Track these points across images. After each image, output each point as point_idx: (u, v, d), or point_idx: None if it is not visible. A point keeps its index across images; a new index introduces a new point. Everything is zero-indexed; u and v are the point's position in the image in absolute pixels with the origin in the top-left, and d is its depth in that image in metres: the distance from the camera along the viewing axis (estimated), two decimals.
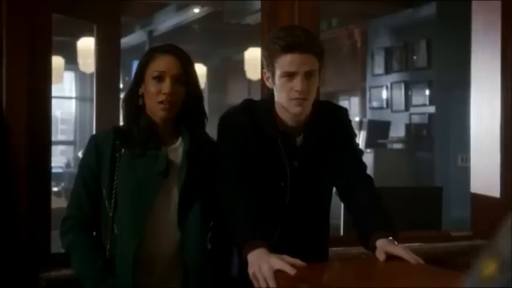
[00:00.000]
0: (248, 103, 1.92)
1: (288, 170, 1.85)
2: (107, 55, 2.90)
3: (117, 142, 1.88)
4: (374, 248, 1.68)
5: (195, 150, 1.89)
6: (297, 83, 1.76)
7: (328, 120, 1.92)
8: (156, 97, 1.85)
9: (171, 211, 1.86)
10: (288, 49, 1.76)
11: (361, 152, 1.99)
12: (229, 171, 1.83)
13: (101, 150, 1.88)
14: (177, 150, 1.90)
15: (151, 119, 1.89)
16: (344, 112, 1.99)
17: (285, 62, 1.77)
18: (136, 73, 1.92)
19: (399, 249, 1.63)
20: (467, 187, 5.20)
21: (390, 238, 1.68)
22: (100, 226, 1.89)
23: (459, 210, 4.11)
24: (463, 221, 4.39)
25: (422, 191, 3.35)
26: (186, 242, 1.85)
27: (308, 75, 1.77)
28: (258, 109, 1.87)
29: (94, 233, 1.91)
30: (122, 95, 2.03)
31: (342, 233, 2.85)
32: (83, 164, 1.92)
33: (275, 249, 1.65)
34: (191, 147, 1.89)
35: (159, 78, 1.85)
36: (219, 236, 1.92)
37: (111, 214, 1.84)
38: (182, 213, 1.85)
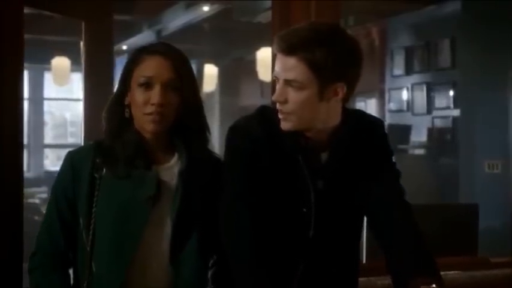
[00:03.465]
0: (263, 110, 1.60)
1: (312, 192, 1.53)
2: (98, 55, 2.66)
3: (97, 160, 1.57)
4: None
5: (193, 170, 1.57)
6: (276, 92, 1.49)
7: (360, 133, 1.59)
8: (144, 108, 1.54)
9: (163, 244, 1.56)
10: (278, 50, 1.48)
11: (398, 173, 1.64)
12: (233, 196, 1.52)
13: (78, 171, 1.58)
14: (172, 169, 1.59)
15: (139, 133, 1.58)
16: (380, 124, 1.67)
17: (275, 65, 1.50)
18: (121, 79, 1.60)
19: None
20: (496, 196, 4.96)
21: (434, 286, 1.41)
22: (76, 262, 1.60)
23: (487, 220, 3.80)
24: (492, 233, 4.10)
25: (455, 209, 3.02)
26: (180, 282, 1.55)
27: (289, 84, 1.47)
28: (275, 119, 1.54)
29: (70, 270, 1.61)
30: None
31: (364, 260, 2.53)
32: (57, 187, 1.61)
33: None
34: (188, 166, 1.57)
35: (147, 85, 1.54)
36: (222, 274, 1.61)
37: (88, 248, 1.55)
38: (176, 247, 1.55)
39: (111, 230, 1.55)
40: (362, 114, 1.68)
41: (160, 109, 1.54)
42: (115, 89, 1.64)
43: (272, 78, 1.60)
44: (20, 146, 2.07)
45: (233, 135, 1.58)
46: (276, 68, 1.50)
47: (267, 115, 1.58)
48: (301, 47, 1.45)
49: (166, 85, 1.55)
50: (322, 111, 1.51)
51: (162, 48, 1.60)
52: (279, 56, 1.49)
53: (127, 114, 1.59)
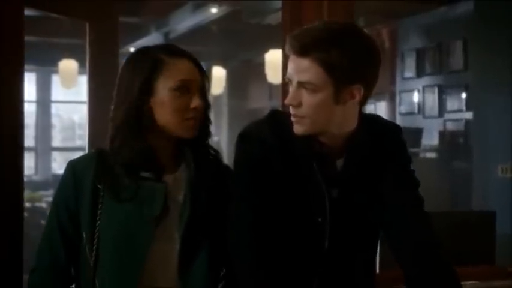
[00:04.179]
0: (274, 115, 1.52)
1: (327, 201, 1.45)
2: (103, 56, 2.61)
3: (100, 171, 1.49)
4: None
5: (202, 179, 1.50)
6: (288, 95, 1.41)
7: (377, 139, 1.51)
8: (184, 113, 1.46)
9: (172, 259, 1.47)
10: (291, 50, 1.39)
11: (417, 182, 1.56)
12: (237, 199, 1.45)
13: (80, 180, 1.49)
14: (179, 179, 1.51)
15: (148, 141, 1.49)
16: (398, 130, 1.58)
17: (288, 66, 1.42)
18: (138, 84, 1.47)
19: None
20: (510, 201, 4.86)
21: None
22: (78, 279, 1.51)
23: (501, 225, 3.72)
24: (506, 240, 4.01)
25: (471, 216, 2.93)
26: None
27: (302, 86, 1.39)
28: (287, 123, 1.46)
29: (72, 286, 1.53)
30: None
31: (377, 270, 2.43)
32: (57, 197, 1.52)
33: None
34: (196, 176, 1.49)
35: (184, 89, 1.46)
36: (233, 287, 1.51)
37: (92, 264, 1.46)
38: (185, 261, 1.46)
39: (115, 245, 1.46)
40: (379, 120, 1.60)
41: (199, 114, 1.49)
42: (125, 95, 1.49)
43: (284, 80, 1.52)
44: (20, 148, 1.99)
45: (243, 141, 1.50)
46: (289, 69, 1.42)
47: (278, 120, 1.50)
48: (315, 47, 1.37)
49: (200, 88, 1.50)
50: (337, 115, 1.43)
51: (184, 51, 1.52)
52: (292, 57, 1.41)
53: (148, 122, 1.48)
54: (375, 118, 1.59)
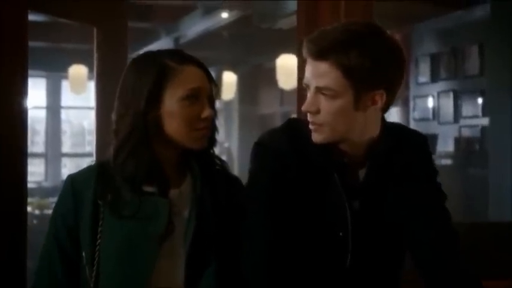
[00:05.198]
0: (292, 124, 1.44)
1: (348, 213, 1.36)
2: (111, 61, 2.54)
3: (101, 186, 1.40)
4: None
5: (208, 193, 1.42)
6: (306, 101, 1.33)
7: (401, 148, 1.42)
8: (193, 123, 1.38)
9: (177, 277, 1.38)
10: (308, 54, 1.32)
11: (444, 196, 1.47)
12: (253, 214, 1.37)
13: (80, 193, 1.40)
14: (184, 192, 1.43)
15: (154, 152, 1.40)
16: (423, 140, 1.48)
17: (305, 71, 1.34)
18: (144, 91, 1.38)
19: None
20: None
21: None
22: None
23: None
24: None
25: (494, 228, 2.83)
26: None
27: (320, 91, 1.31)
28: (306, 131, 1.37)
29: None
30: None
31: None
32: (56, 214, 1.44)
33: None
34: (203, 190, 1.42)
35: (193, 98, 1.38)
36: None
37: (92, 285, 1.38)
38: (191, 280, 1.38)
39: (117, 264, 1.38)
40: (403, 128, 1.52)
41: (210, 124, 1.42)
42: (130, 101, 1.41)
43: (301, 85, 1.43)
44: (23, 154, 1.93)
45: (258, 151, 1.41)
46: (306, 74, 1.34)
47: (295, 128, 1.41)
48: (333, 50, 1.29)
49: (209, 97, 1.42)
50: (358, 122, 1.34)
51: (190, 56, 1.44)
52: (309, 61, 1.33)
53: (154, 130, 1.40)
54: (399, 126, 1.51)
